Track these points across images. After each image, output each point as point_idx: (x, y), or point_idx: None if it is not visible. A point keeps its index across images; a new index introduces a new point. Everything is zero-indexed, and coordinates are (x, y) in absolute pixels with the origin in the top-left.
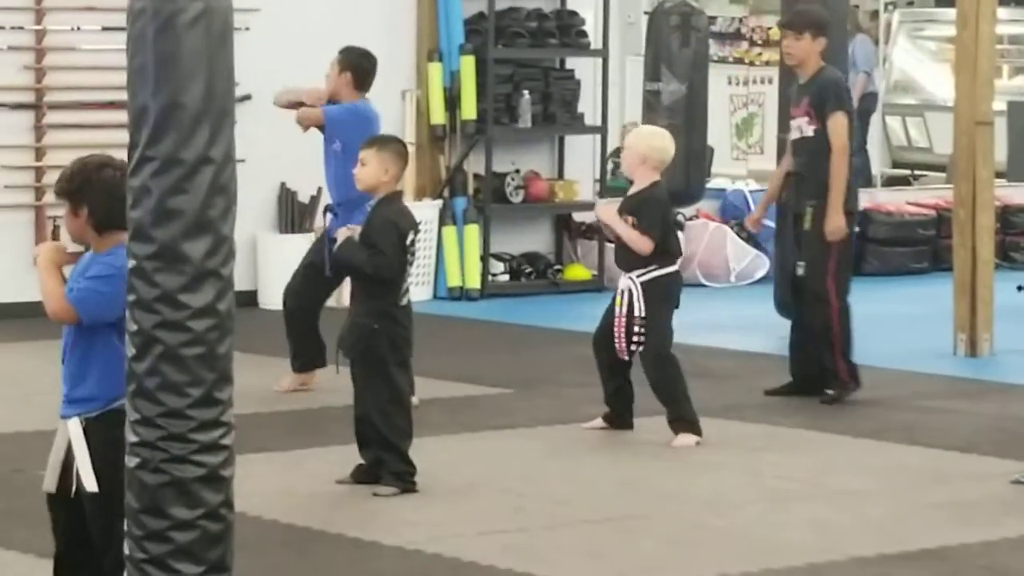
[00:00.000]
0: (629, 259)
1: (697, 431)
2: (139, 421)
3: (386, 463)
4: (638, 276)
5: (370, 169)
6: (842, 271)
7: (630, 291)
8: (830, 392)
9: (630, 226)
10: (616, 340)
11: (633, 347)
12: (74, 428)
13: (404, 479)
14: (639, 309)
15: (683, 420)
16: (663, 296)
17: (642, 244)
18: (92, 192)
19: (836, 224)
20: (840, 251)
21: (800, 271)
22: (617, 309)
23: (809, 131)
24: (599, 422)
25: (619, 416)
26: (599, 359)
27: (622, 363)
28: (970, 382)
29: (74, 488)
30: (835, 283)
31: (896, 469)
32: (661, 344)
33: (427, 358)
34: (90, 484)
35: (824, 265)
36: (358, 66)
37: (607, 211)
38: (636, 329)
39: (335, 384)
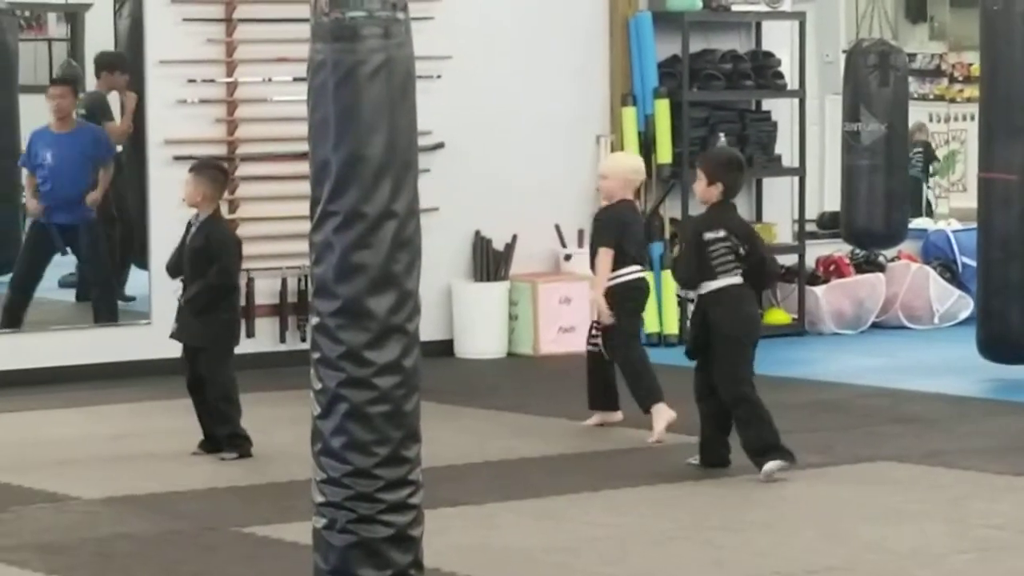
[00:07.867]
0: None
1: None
2: (325, 481)
3: (227, 436)
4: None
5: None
6: None
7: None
8: None
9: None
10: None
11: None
12: None
13: (241, 445)
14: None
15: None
16: (624, 299)
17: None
18: None
19: None
20: None
21: None
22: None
23: None
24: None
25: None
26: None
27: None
28: None
29: None
30: None
31: None
32: (625, 345)
33: (625, 406)
34: None
35: None
36: None
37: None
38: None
39: (530, 433)
